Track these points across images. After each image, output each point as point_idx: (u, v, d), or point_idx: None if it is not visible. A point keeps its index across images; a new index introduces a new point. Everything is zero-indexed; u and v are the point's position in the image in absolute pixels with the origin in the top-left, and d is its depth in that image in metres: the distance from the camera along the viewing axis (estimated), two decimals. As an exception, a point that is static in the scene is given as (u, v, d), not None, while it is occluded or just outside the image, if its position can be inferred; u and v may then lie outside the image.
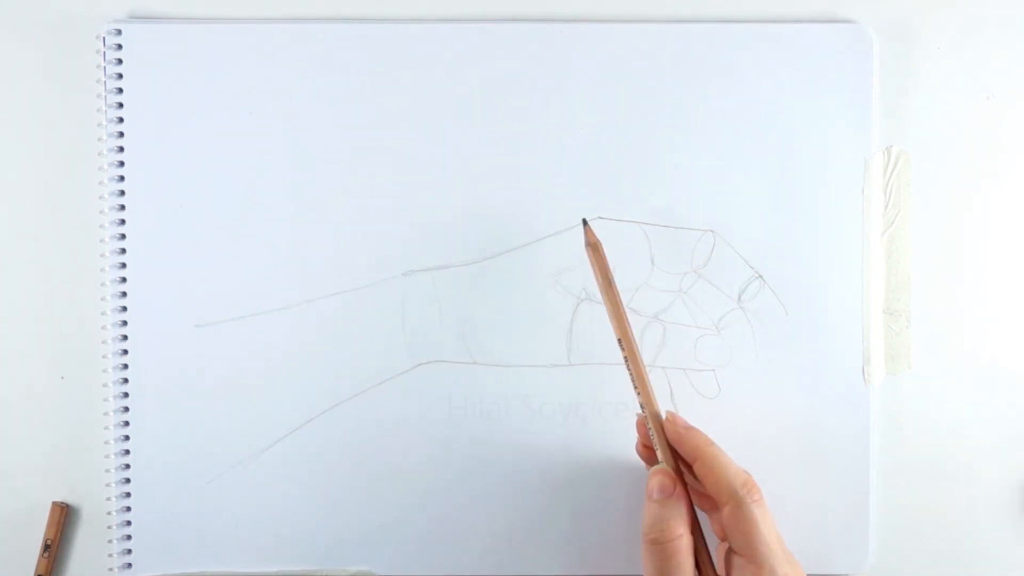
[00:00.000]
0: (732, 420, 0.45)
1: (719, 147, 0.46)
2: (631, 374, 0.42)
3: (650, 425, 0.41)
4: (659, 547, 0.38)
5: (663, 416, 0.41)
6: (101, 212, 0.45)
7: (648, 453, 0.42)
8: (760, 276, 0.46)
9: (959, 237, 0.47)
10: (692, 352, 0.45)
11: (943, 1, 0.47)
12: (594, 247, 0.43)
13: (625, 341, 0.42)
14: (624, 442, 0.46)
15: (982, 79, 0.47)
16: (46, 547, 0.46)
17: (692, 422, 0.44)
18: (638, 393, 0.42)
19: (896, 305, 0.47)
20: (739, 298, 0.46)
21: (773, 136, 0.46)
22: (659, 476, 0.40)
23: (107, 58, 0.45)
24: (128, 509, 0.46)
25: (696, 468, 0.40)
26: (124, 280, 0.45)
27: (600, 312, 0.46)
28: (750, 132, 0.46)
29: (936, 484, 0.47)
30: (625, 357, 0.42)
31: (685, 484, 0.40)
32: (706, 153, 0.46)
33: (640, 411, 0.42)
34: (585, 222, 0.44)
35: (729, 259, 0.46)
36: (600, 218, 0.46)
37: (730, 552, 0.38)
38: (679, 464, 0.41)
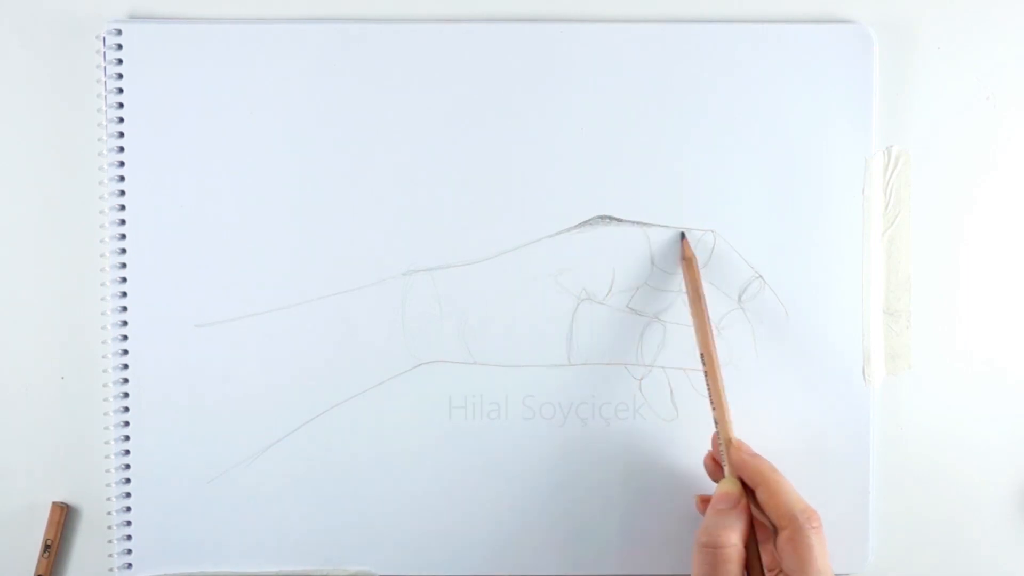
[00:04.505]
0: (732, 420, 0.45)
1: (719, 147, 0.46)
2: (709, 390, 0.42)
3: (721, 443, 0.42)
4: (710, 552, 0.39)
5: (733, 438, 0.42)
6: (101, 212, 0.45)
7: (714, 467, 0.43)
8: (760, 276, 0.46)
9: (959, 237, 0.47)
10: (692, 352, 0.45)
11: (943, 1, 0.47)
12: (688, 261, 0.44)
13: (708, 357, 0.43)
14: (623, 442, 0.46)
15: (982, 79, 0.47)
16: (46, 547, 0.46)
17: (692, 422, 0.44)
18: (713, 409, 0.42)
19: (896, 305, 0.47)
20: (739, 298, 0.46)
21: (773, 136, 0.46)
22: (726, 487, 0.41)
23: (107, 58, 0.45)
24: (128, 509, 0.46)
25: (759, 493, 0.40)
26: (124, 280, 0.45)
27: (600, 312, 0.46)
28: (750, 132, 0.46)
29: (936, 484, 0.47)
30: (705, 372, 0.42)
31: (749, 502, 0.40)
32: (706, 153, 0.46)
33: (715, 426, 0.42)
34: (683, 235, 0.45)
35: (729, 259, 0.46)
36: (601, 217, 0.46)
37: None
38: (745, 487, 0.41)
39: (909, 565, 0.47)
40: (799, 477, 0.45)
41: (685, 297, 0.45)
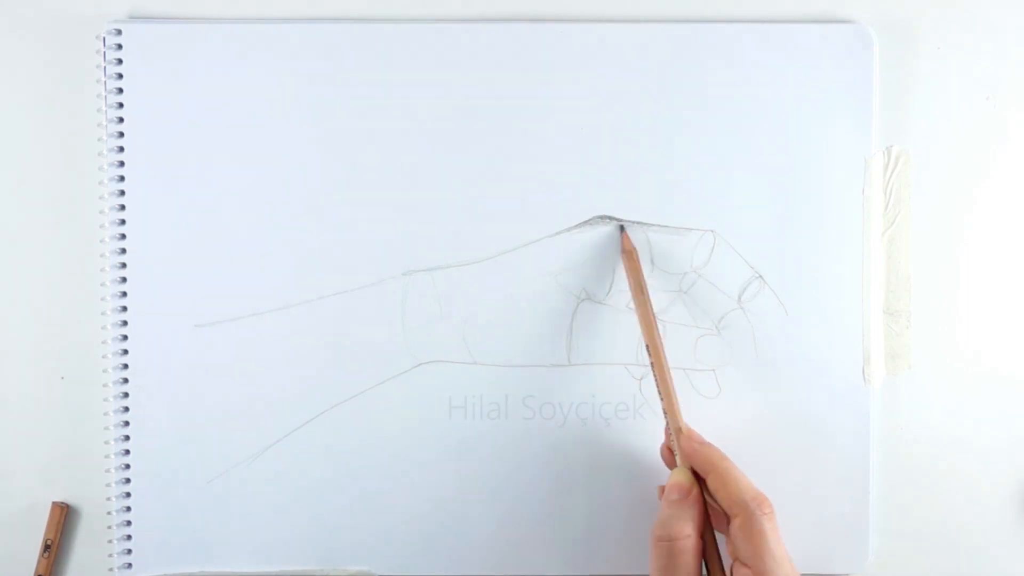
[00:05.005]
0: (732, 420, 0.45)
1: (719, 147, 0.46)
2: (656, 381, 0.42)
3: (672, 432, 0.42)
4: (665, 545, 0.38)
5: (683, 426, 0.42)
6: (101, 212, 0.45)
7: (670, 456, 0.43)
8: (760, 276, 0.46)
9: (959, 237, 0.47)
10: (692, 352, 0.45)
11: (943, 1, 0.47)
12: (628, 254, 0.44)
13: (653, 348, 0.43)
14: (623, 442, 0.46)
15: (982, 79, 0.47)
16: (46, 547, 0.46)
17: (692, 422, 0.44)
18: (662, 399, 0.42)
19: (896, 305, 0.47)
20: (739, 298, 0.46)
21: (773, 136, 0.46)
22: (677, 477, 0.41)
23: (107, 58, 0.45)
24: (128, 509, 0.46)
25: (709, 481, 0.40)
26: (124, 280, 0.45)
27: (600, 312, 0.46)
28: (750, 132, 0.46)
29: (936, 484, 0.47)
30: (651, 363, 0.42)
31: (702, 491, 0.40)
32: (706, 153, 0.46)
33: (664, 416, 0.42)
34: (622, 228, 0.44)
35: (729, 259, 0.46)
36: (601, 217, 0.46)
37: (737, 564, 0.38)
38: (697, 476, 0.41)
39: (909, 565, 0.47)
40: (799, 477, 0.46)
41: (685, 297, 0.45)
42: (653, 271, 0.46)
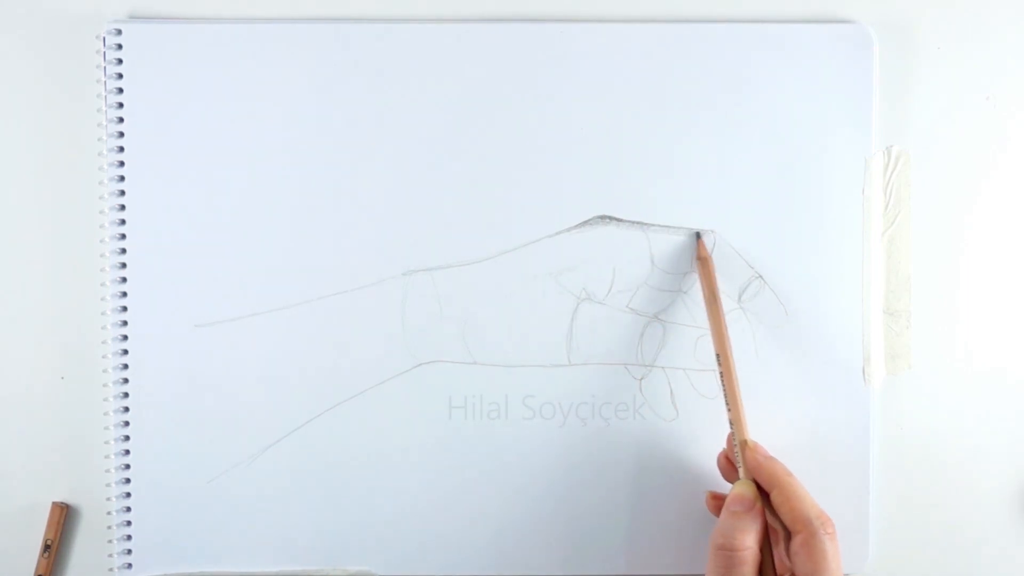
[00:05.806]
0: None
1: (719, 147, 0.46)
2: (724, 391, 0.43)
3: (736, 445, 0.42)
4: (725, 554, 0.39)
5: (749, 439, 0.42)
6: (101, 212, 0.45)
7: (728, 466, 0.43)
8: (760, 276, 0.46)
9: (959, 237, 0.47)
10: (692, 352, 0.45)
11: (943, 1, 0.47)
12: (704, 261, 0.44)
13: (723, 357, 0.43)
14: (624, 442, 0.46)
15: (982, 79, 0.47)
16: (46, 547, 0.46)
17: (692, 422, 0.44)
18: (728, 410, 0.42)
19: (896, 305, 0.47)
20: (739, 298, 0.46)
21: (773, 136, 0.46)
22: (741, 489, 0.41)
23: (107, 58, 0.45)
24: (128, 509, 0.46)
25: (773, 496, 0.40)
26: (124, 280, 0.45)
27: (600, 312, 0.46)
28: (750, 132, 0.46)
29: (936, 484, 0.47)
30: (720, 373, 0.43)
31: (763, 503, 0.41)
32: (706, 153, 0.46)
33: (730, 427, 0.42)
34: (699, 235, 0.45)
35: (729, 259, 0.46)
36: (601, 217, 0.46)
37: None
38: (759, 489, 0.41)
39: (909, 565, 0.47)
40: (799, 477, 0.45)
41: (685, 297, 0.45)
42: (653, 271, 0.46)
